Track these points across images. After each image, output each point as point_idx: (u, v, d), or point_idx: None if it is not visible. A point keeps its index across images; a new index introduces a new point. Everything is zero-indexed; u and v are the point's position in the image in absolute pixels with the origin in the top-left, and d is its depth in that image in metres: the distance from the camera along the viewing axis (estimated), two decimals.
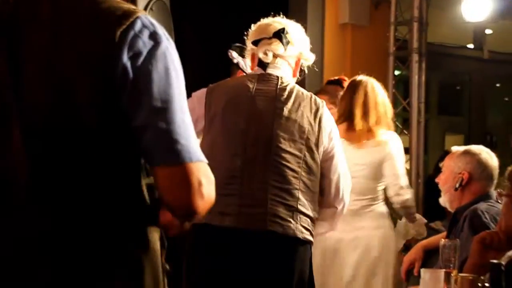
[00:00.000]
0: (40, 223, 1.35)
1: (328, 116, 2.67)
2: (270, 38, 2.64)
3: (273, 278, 2.50)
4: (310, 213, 2.58)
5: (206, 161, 1.38)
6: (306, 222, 2.56)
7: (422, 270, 2.77)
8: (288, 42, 2.64)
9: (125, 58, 1.34)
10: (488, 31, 7.26)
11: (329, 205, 2.71)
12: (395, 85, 5.89)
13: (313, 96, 2.67)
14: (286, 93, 2.60)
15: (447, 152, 4.57)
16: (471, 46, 7.47)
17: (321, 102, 2.67)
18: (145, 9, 4.15)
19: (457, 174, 3.15)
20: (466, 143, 6.33)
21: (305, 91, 2.67)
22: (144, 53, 1.36)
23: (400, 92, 6.21)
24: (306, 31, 5.92)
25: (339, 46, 6.08)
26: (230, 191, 2.50)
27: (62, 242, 1.35)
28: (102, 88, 1.34)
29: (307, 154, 2.57)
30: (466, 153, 3.19)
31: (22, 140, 1.34)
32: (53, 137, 1.35)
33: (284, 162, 2.53)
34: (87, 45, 1.36)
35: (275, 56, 2.64)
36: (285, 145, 2.54)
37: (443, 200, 3.30)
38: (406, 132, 5.82)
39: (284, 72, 2.67)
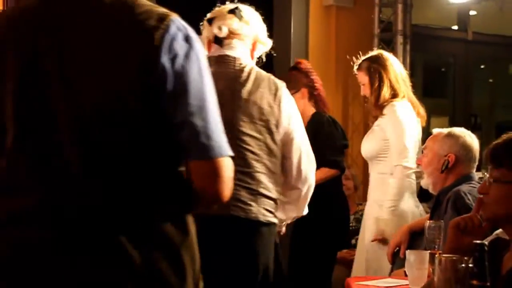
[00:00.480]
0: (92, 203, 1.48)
1: (287, 96, 2.65)
2: (224, 15, 2.65)
3: (237, 262, 2.50)
4: (273, 195, 2.58)
5: (232, 154, 1.55)
6: (269, 204, 2.56)
7: (407, 252, 2.78)
8: (241, 17, 2.63)
9: (164, 60, 1.46)
10: (472, 12, 7.25)
11: (292, 186, 2.70)
12: None
13: (272, 77, 2.65)
14: (245, 74, 2.58)
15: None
16: (455, 27, 7.47)
17: (280, 83, 2.65)
18: None
19: (443, 156, 3.16)
20: (451, 125, 6.33)
21: (263, 72, 2.65)
22: (181, 55, 1.48)
23: None
24: (291, 13, 5.90)
25: (324, 28, 6.06)
26: None
27: (111, 222, 1.47)
28: (146, 89, 1.46)
29: (267, 136, 2.56)
30: (450, 135, 3.19)
31: (74, 134, 1.47)
32: (101, 134, 1.47)
33: (245, 146, 2.51)
34: (128, 49, 1.48)
35: (231, 34, 2.62)
36: (246, 127, 2.52)
37: (426, 183, 3.31)
38: None
39: (241, 53, 2.65)
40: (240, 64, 2.61)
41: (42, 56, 1.49)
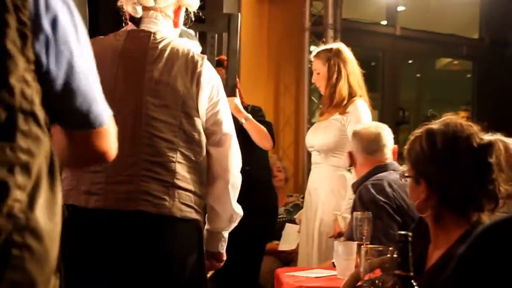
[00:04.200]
0: None
1: (209, 74, 2.31)
2: None
3: (150, 262, 2.18)
4: (193, 187, 2.25)
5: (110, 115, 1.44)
6: (188, 198, 2.24)
7: (335, 243, 2.82)
8: None
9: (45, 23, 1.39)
10: (400, 8, 7.39)
11: (215, 177, 2.36)
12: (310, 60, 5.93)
13: (192, 53, 2.31)
14: (157, 52, 2.27)
15: None
16: (384, 22, 7.60)
17: (200, 59, 2.30)
18: None
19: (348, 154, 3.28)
20: (380, 119, 6.46)
21: (182, 48, 2.32)
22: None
23: None
24: (222, 4, 5.85)
25: (256, 21, 6.07)
26: (97, 167, 2.17)
27: None
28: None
29: (184, 121, 2.23)
30: (353, 133, 3.29)
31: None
32: None
33: (156, 132, 2.20)
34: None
35: (146, 9, 2.33)
36: (157, 112, 2.21)
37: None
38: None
39: (160, 25, 2.34)
40: (155, 39, 2.29)
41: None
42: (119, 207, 2.16)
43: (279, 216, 5.05)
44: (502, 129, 2.49)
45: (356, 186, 3.15)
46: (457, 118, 1.90)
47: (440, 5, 7.50)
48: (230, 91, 4.00)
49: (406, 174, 1.90)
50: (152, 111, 2.21)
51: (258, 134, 4.01)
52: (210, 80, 2.31)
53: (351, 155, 3.22)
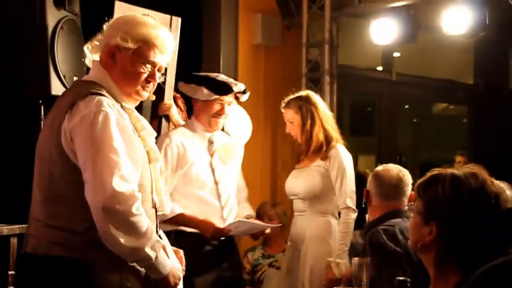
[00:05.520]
0: None
1: (85, 106, 2.19)
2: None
3: None
4: (65, 224, 2.21)
5: None
6: (58, 235, 2.21)
7: None
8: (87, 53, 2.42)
9: None
10: (395, 54, 7.49)
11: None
12: None
13: (81, 89, 2.28)
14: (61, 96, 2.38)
15: (360, 175, 4.66)
16: (380, 68, 7.68)
17: (82, 97, 2.22)
18: (55, 28, 4.05)
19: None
20: (377, 163, 6.48)
21: (78, 86, 2.35)
22: None
23: None
24: (220, 51, 5.90)
25: (253, 67, 6.13)
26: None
27: None
28: None
29: (52, 158, 2.23)
30: (373, 174, 3.26)
31: None
32: None
33: (38, 171, 2.31)
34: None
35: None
36: (38, 152, 2.32)
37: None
38: None
39: (92, 72, 2.38)
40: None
41: None
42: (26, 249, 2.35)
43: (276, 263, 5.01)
44: (497, 173, 2.49)
45: (366, 229, 3.12)
46: (480, 170, 1.82)
47: (435, 51, 7.60)
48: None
49: (416, 210, 1.84)
50: (39, 150, 2.33)
51: None
52: (84, 115, 2.19)
53: (368, 193, 3.19)
